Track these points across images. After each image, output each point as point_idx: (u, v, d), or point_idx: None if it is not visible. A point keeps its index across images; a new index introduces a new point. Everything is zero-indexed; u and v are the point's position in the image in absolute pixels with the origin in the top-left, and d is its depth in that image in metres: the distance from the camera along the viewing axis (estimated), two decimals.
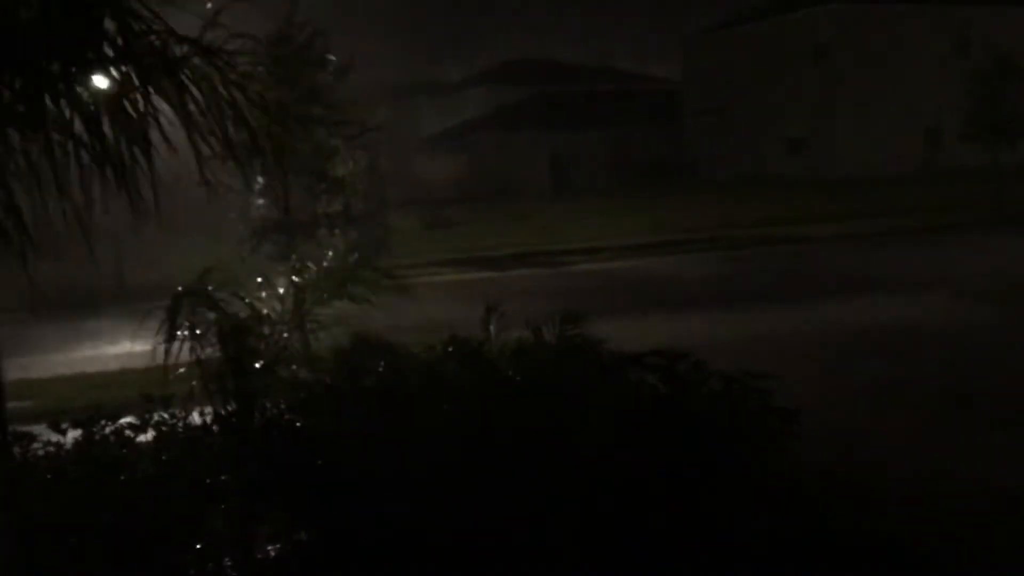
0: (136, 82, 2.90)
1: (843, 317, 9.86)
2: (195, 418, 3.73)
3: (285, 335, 3.93)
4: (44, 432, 3.90)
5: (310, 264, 7.13)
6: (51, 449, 3.72)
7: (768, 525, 3.50)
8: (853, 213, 21.59)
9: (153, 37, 2.97)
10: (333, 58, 8.91)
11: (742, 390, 3.57)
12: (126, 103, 2.90)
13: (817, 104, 37.40)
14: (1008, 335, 8.62)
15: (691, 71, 45.19)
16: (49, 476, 3.47)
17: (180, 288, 3.80)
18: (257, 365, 3.67)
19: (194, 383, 3.69)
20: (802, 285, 12.46)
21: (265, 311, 4.14)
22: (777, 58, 39.14)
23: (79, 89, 2.87)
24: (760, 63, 39.94)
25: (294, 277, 4.92)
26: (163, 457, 3.52)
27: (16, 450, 3.53)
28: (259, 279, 4.75)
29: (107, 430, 3.76)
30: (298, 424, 3.51)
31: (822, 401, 6.12)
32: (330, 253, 8.14)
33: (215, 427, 3.61)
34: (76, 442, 3.76)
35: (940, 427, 5.90)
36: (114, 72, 2.91)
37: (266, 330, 3.82)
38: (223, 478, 3.29)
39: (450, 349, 4.15)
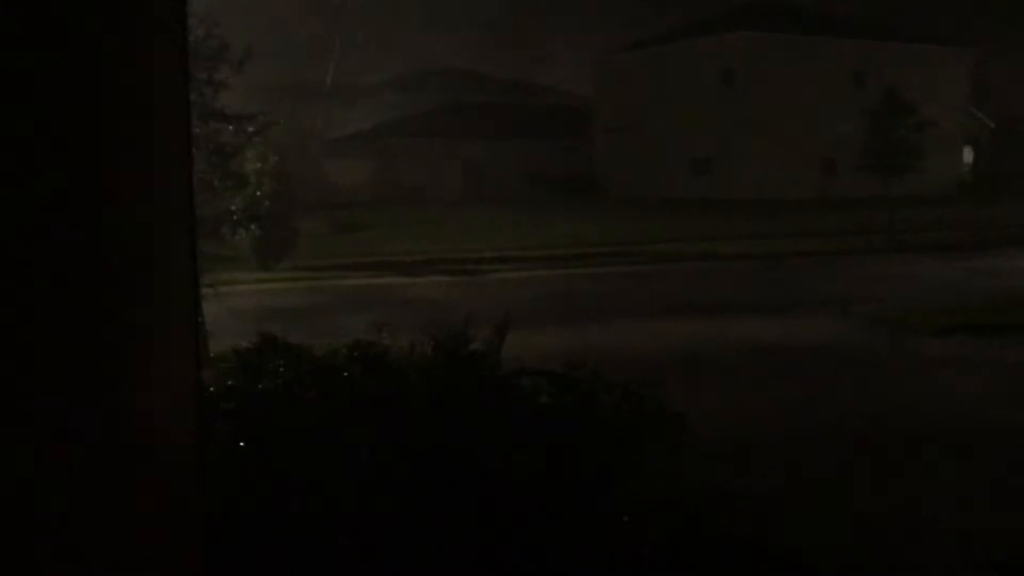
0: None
1: (734, 334, 10.23)
2: None
3: None
4: None
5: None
6: None
7: (656, 528, 3.64)
8: (749, 235, 22.48)
9: None
10: (230, 50, 8.76)
11: (635, 399, 3.71)
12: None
13: (721, 127, 38.67)
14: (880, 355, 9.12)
15: (603, 89, 46.07)
16: None
17: None
18: None
19: None
20: (703, 301, 12.85)
21: None
22: (686, 80, 40.32)
23: None
24: (669, 84, 41.06)
25: None
26: None
27: None
28: None
29: None
30: None
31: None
32: None
33: None
34: None
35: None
36: None
37: None
38: None
39: (354, 354, 4.16)
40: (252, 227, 9.51)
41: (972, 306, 11.35)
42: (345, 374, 3.75)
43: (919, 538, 4.50)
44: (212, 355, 5.74)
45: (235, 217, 8.99)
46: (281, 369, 3.72)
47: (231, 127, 9.15)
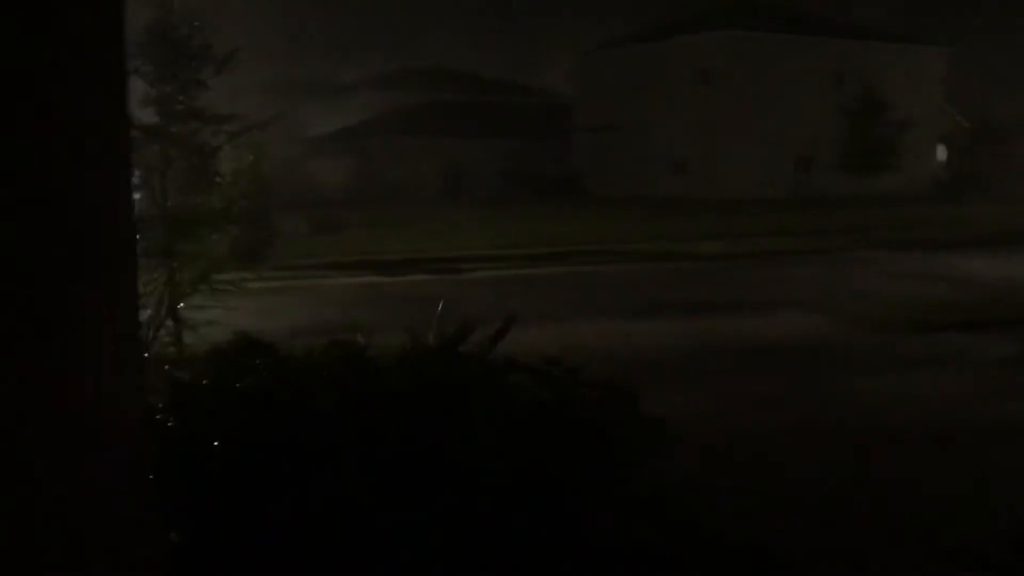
0: None
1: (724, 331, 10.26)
2: None
3: (157, 329, 3.82)
4: None
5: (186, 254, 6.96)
6: None
7: (639, 529, 3.63)
8: (729, 234, 22.59)
9: None
10: (214, 50, 8.70)
11: (614, 397, 3.70)
12: None
13: (700, 127, 38.85)
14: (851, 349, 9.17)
15: (583, 88, 46.17)
16: None
17: None
18: None
19: None
20: (683, 299, 12.89)
21: None
22: (665, 79, 40.47)
23: None
24: (649, 84, 41.20)
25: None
26: None
27: None
28: None
29: None
30: (170, 424, 3.42)
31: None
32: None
33: None
34: None
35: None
36: None
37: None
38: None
39: (332, 352, 4.12)
40: (230, 227, 9.42)
41: (952, 303, 11.46)
42: (323, 372, 3.72)
43: (895, 534, 4.52)
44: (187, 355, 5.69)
45: (211, 217, 8.91)
46: (258, 368, 3.69)
47: (211, 127, 9.07)
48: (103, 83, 1.56)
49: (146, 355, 4.09)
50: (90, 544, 1.54)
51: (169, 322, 6.82)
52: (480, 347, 4.07)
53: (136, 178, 8.76)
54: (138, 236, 7.94)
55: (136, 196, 8.96)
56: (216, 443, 3.41)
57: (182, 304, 7.10)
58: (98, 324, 1.52)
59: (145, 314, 4.23)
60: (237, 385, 3.63)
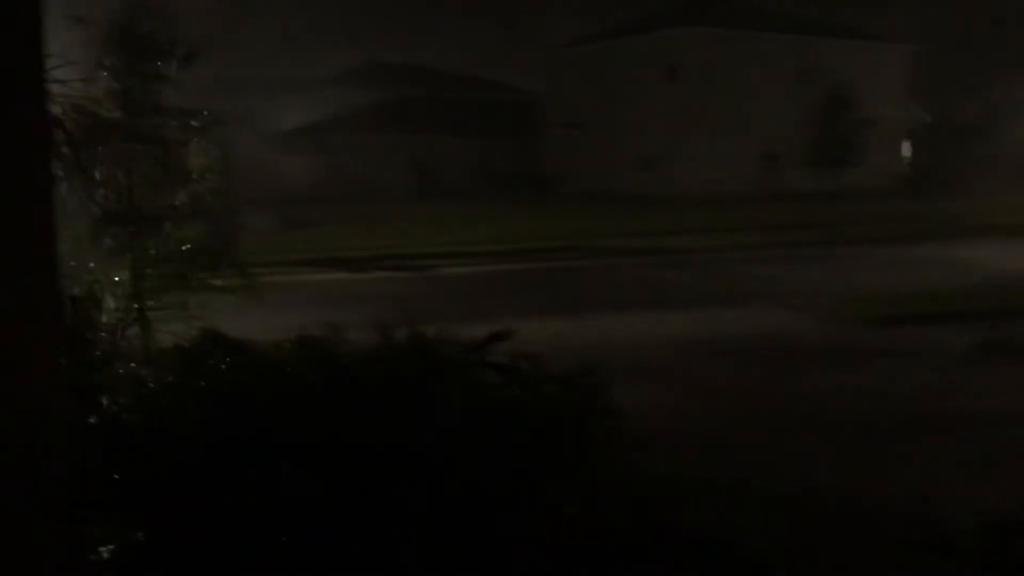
0: None
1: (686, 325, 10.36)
2: None
3: (124, 328, 3.79)
4: None
5: (152, 251, 6.89)
6: None
7: (603, 523, 3.67)
8: (696, 229, 22.78)
9: None
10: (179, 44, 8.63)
11: (576, 389, 3.74)
12: None
13: (667, 123, 38.97)
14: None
15: (552, 85, 46.14)
16: None
17: None
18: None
19: None
20: (650, 295, 12.99)
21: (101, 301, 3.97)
22: (632, 76, 40.57)
23: None
24: (616, 80, 41.28)
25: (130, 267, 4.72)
26: None
27: None
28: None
29: None
30: (136, 422, 3.40)
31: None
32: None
33: None
34: None
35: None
36: None
37: (103, 318, 3.68)
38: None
39: (299, 349, 4.11)
40: (196, 223, 9.33)
41: (917, 296, 11.66)
42: (290, 369, 3.72)
43: (852, 527, 4.60)
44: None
45: (177, 213, 8.82)
46: (224, 366, 3.67)
47: (175, 122, 8.97)
48: (11, 61, 1.48)
49: (115, 353, 4.05)
50: (10, 544, 1.50)
51: (137, 321, 6.76)
52: (467, 347, 4.08)
53: (99, 174, 8.65)
54: (104, 233, 7.76)
55: (99, 192, 8.85)
56: (180, 441, 3.39)
57: (150, 302, 7.03)
58: (14, 325, 1.47)
59: (115, 314, 4.19)
60: (202, 383, 3.61)
